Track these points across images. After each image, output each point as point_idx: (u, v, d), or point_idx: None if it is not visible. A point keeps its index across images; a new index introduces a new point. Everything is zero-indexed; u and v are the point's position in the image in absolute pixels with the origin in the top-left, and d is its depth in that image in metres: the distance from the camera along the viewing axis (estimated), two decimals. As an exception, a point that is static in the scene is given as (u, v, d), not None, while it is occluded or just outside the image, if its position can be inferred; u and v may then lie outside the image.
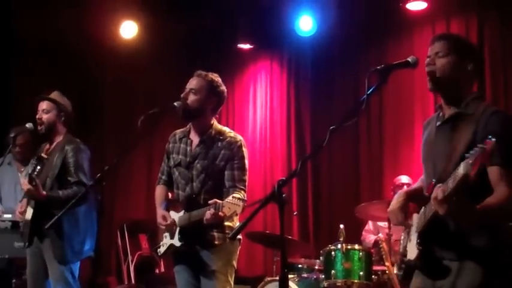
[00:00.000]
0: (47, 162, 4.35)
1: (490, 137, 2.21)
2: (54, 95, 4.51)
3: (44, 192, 4.19)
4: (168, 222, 3.66)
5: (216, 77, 3.75)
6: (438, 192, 2.35)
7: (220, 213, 3.37)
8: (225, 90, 3.79)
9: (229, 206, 3.34)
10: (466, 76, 2.66)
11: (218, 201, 3.41)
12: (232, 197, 3.40)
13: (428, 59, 2.66)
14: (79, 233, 4.31)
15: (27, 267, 4.41)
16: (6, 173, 5.49)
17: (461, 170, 2.24)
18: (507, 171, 2.44)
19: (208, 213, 3.44)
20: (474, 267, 2.47)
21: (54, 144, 4.44)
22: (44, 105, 4.44)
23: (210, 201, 3.45)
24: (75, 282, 4.32)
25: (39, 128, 4.43)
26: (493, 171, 2.46)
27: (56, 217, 3.73)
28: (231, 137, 3.73)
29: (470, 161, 2.20)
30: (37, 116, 4.42)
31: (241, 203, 3.33)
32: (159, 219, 3.71)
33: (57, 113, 4.43)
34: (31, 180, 4.17)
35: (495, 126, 2.46)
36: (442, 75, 2.62)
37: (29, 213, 4.27)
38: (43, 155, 4.38)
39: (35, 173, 4.24)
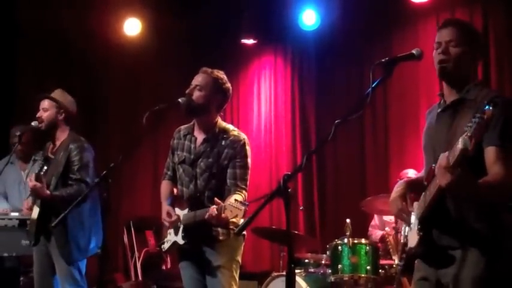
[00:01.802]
0: (53, 161, 4.37)
1: (487, 107, 2.19)
2: (56, 93, 4.53)
3: (48, 192, 4.20)
4: (173, 219, 3.66)
5: (221, 74, 3.75)
6: (443, 159, 2.33)
7: (222, 215, 3.37)
8: (230, 88, 3.79)
9: (231, 210, 3.34)
10: (474, 66, 2.67)
11: (221, 203, 3.40)
12: (235, 200, 3.40)
13: (441, 48, 2.63)
14: (84, 231, 4.33)
15: (34, 266, 4.42)
16: (10, 172, 5.50)
17: (459, 145, 2.22)
18: (504, 153, 2.44)
19: (209, 215, 3.42)
20: (477, 256, 2.46)
21: (59, 143, 4.46)
22: (43, 103, 4.47)
23: (215, 202, 3.43)
24: (82, 279, 4.34)
25: (39, 125, 4.46)
26: (490, 152, 2.45)
27: (62, 215, 3.74)
28: (234, 135, 3.72)
29: (469, 134, 2.19)
30: (37, 115, 4.46)
31: (242, 207, 3.33)
32: (164, 215, 3.72)
33: (56, 111, 4.45)
34: (38, 179, 4.18)
35: (495, 109, 2.45)
36: (456, 66, 2.61)
37: (35, 212, 4.29)
38: (50, 155, 4.39)
39: (42, 172, 4.26)
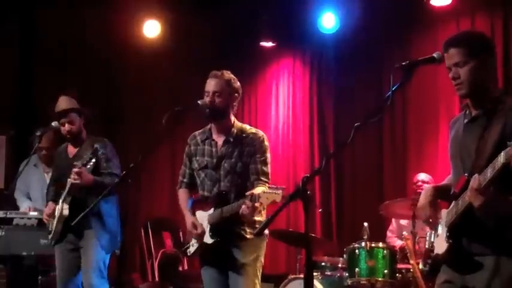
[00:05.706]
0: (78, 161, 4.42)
1: None
2: (64, 100, 4.55)
3: (91, 176, 4.29)
4: (199, 231, 3.71)
5: (230, 74, 3.83)
6: (475, 181, 2.34)
7: (256, 204, 3.39)
8: (239, 84, 3.86)
9: (267, 196, 3.35)
10: (490, 73, 2.63)
11: (254, 192, 3.43)
12: (269, 187, 3.44)
13: (451, 73, 2.61)
14: (117, 223, 4.47)
15: (57, 264, 4.49)
16: (33, 174, 5.56)
17: (501, 158, 2.23)
18: None
19: (245, 207, 3.45)
20: (508, 262, 2.46)
21: (78, 145, 4.57)
22: (67, 117, 4.51)
23: (247, 193, 3.47)
24: (105, 271, 4.45)
25: (66, 135, 4.53)
26: None
27: (88, 209, 3.86)
28: (252, 133, 3.81)
29: None
30: (65, 129, 4.49)
31: (279, 191, 3.34)
32: (190, 227, 3.76)
33: (80, 119, 4.55)
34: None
35: None
36: (471, 85, 2.59)
37: (65, 210, 4.32)
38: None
39: (89, 166, 4.32)
